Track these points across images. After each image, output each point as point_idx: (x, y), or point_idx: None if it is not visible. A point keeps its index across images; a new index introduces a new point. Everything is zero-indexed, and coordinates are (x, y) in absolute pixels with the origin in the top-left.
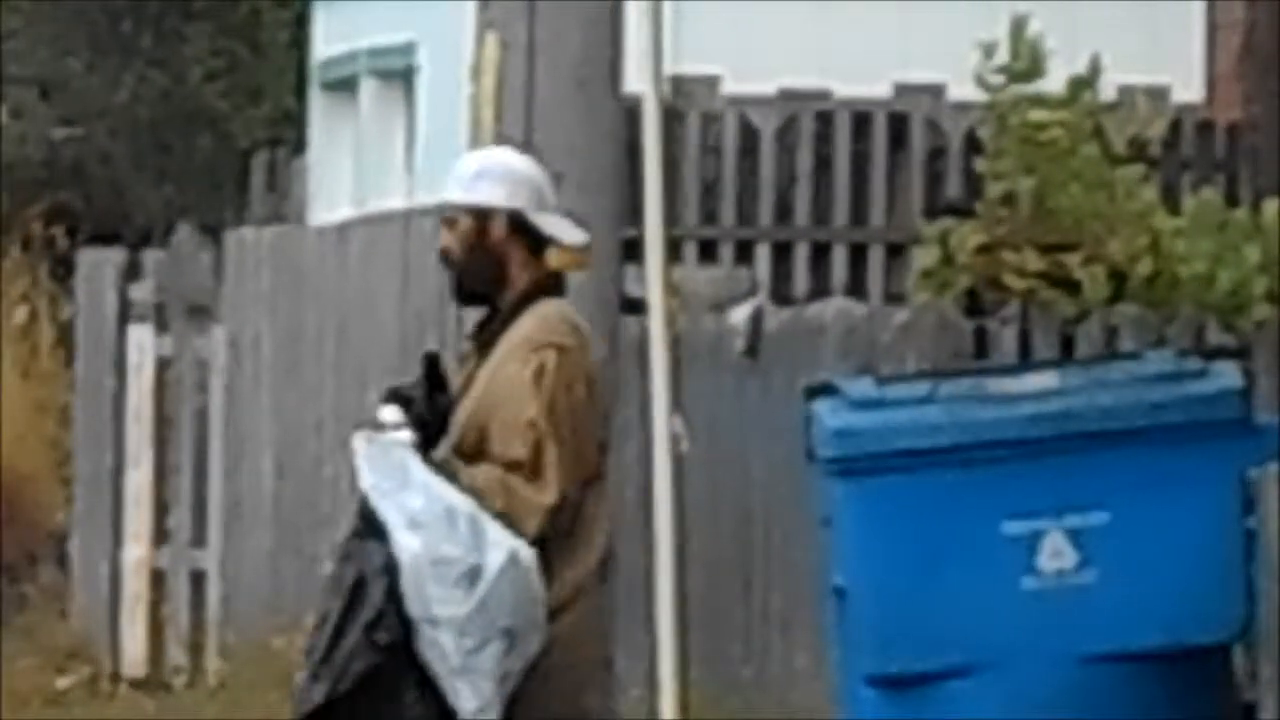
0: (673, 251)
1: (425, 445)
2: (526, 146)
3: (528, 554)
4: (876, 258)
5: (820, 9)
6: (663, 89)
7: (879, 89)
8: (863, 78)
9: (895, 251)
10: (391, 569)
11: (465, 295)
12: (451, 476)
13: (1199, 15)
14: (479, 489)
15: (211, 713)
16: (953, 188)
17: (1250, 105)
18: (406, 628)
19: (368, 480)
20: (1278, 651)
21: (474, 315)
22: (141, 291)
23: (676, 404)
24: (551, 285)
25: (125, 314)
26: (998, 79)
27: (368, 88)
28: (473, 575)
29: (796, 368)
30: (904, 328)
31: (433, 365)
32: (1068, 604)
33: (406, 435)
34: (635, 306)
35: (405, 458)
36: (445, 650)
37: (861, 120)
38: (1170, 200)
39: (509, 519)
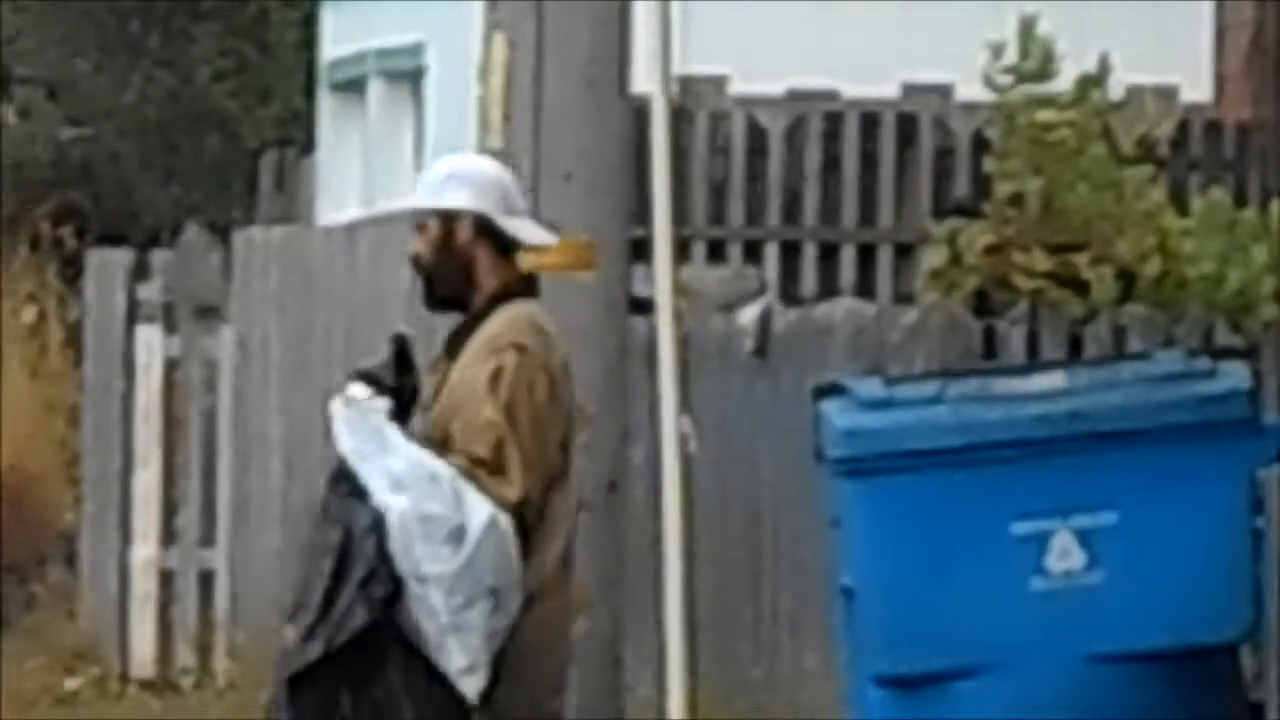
0: (681, 251)
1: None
2: (534, 147)
3: (504, 518)
4: (885, 258)
5: (828, 9)
6: (671, 89)
7: (887, 89)
8: (871, 78)
9: (904, 252)
10: (379, 527)
11: (436, 300)
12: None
13: (1208, 15)
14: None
15: (220, 713)
16: (961, 188)
17: (1259, 105)
18: (397, 585)
19: (348, 444)
20: None
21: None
22: (150, 291)
23: (685, 404)
24: (522, 288)
25: (134, 314)
26: (1005, 79)
27: (376, 88)
28: (458, 534)
29: (805, 368)
30: (912, 328)
31: (401, 347)
32: (1076, 604)
33: (382, 403)
34: (643, 306)
35: (382, 424)
36: (435, 607)
37: (870, 121)
38: (1178, 200)
39: None
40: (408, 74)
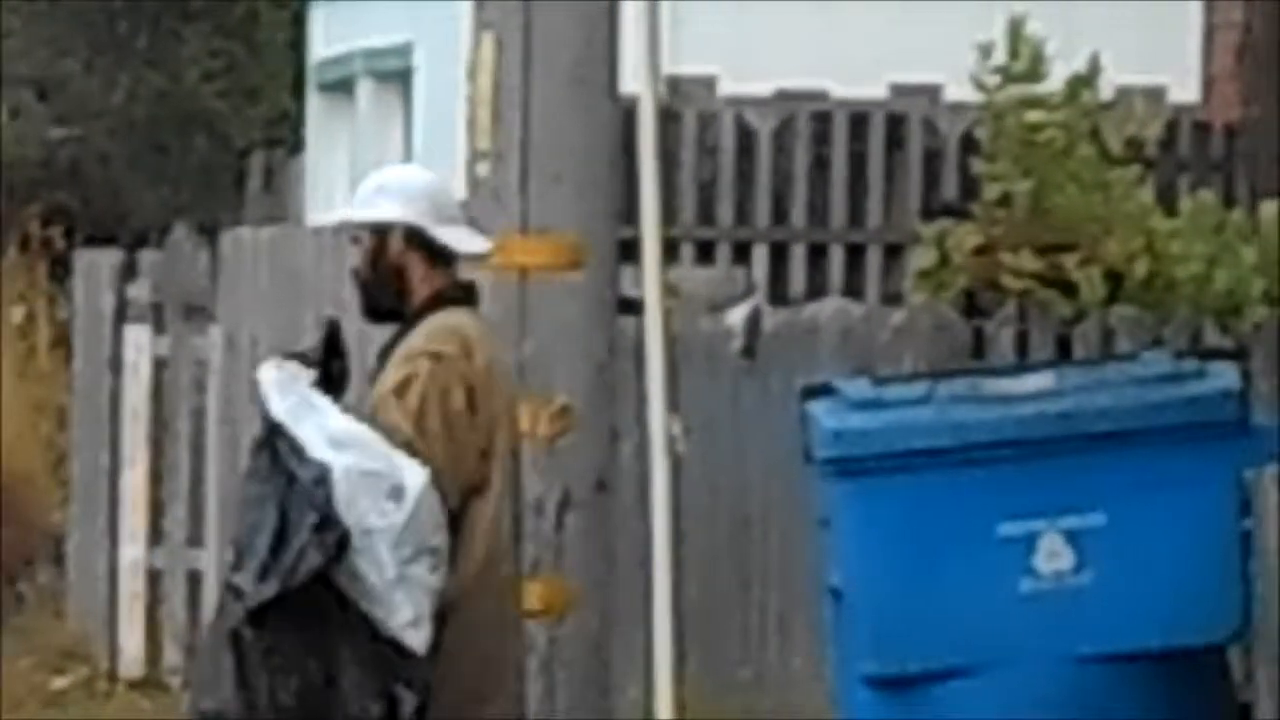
0: (670, 252)
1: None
2: (523, 147)
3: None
4: (874, 258)
5: (817, 10)
6: (660, 89)
7: (876, 90)
8: (860, 78)
9: (892, 252)
10: (325, 480)
11: (372, 312)
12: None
13: (1196, 15)
14: None
15: None
16: (949, 189)
17: (1247, 106)
18: (346, 535)
19: (280, 406)
20: (1274, 652)
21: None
22: (138, 291)
23: (673, 405)
24: (456, 296)
25: (122, 314)
26: (994, 80)
27: (365, 88)
28: (398, 492)
29: (794, 368)
30: (901, 328)
31: (333, 331)
32: (1065, 605)
33: (310, 374)
34: (632, 307)
35: (310, 391)
36: (381, 560)
37: (858, 121)
38: (1167, 201)
39: None
40: (396, 74)
